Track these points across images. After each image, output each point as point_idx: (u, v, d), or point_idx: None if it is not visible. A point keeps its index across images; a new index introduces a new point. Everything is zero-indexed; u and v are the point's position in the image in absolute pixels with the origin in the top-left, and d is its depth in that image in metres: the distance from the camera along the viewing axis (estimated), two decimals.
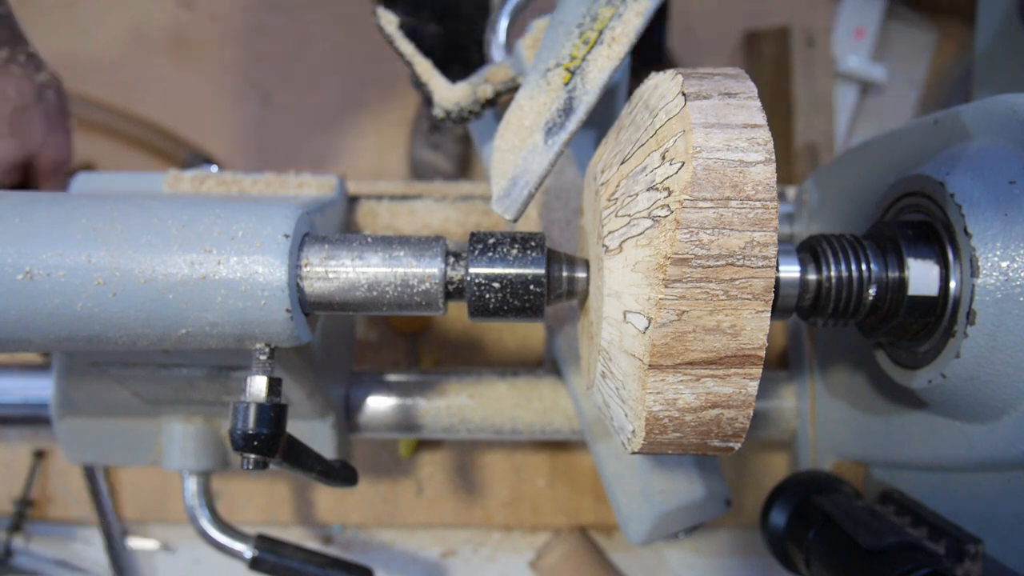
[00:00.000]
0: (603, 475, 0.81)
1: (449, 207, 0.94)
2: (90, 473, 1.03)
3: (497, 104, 0.73)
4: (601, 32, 0.61)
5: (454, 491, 1.03)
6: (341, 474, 0.66)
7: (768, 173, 0.45)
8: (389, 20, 0.68)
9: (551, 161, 0.58)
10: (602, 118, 0.83)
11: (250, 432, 0.54)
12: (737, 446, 0.50)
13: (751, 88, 0.48)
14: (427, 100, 0.71)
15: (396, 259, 0.56)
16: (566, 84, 0.60)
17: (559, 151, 0.58)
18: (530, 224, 0.81)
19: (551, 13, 0.65)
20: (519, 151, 0.59)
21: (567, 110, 0.59)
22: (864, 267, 0.56)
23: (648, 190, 0.47)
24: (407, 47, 0.68)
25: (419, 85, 0.70)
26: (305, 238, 0.57)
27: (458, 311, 0.99)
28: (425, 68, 0.70)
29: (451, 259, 0.56)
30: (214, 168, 0.81)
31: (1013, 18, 1.26)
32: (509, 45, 0.79)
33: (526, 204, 0.58)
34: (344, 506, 1.04)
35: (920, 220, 0.58)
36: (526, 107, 0.61)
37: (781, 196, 0.92)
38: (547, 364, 0.89)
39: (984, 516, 0.59)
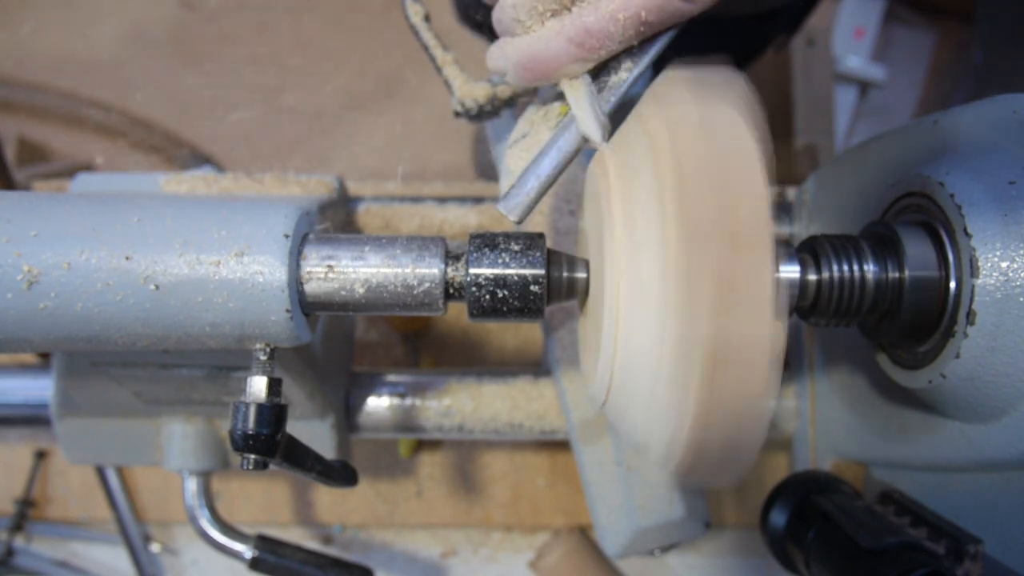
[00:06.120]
0: (585, 482, 0.81)
1: (449, 207, 0.93)
2: (101, 474, 1.03)
3: (515, 105, 0.73)
4: None
5: (454, 491, 1.03)
6: (341, 474, 0.66)
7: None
8: (417, 11, 0.67)
9: (561, 164, 0.58)
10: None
11: (250, 432, 0.54)
12: None
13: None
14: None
15: (396, 259, 0.55)
16: None
17: (569, 155, 0.58)
18: (538, 229, 0.81)
19: None
20: (530, 152, 0.59)
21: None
22: (864, 267, 0.56)
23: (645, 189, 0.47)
24: (431, 38, 0.68)
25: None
26: (305, 238, 0.57)
27: (458, 311, 0.99)
28: (445, 60, 0.69)
29: (451, 259, 0.56)
30: (214, 168, 0.81)
31: (1013, 19, 1.26)
32: None
33: (532, 206, 0.58)
34: (344, 506, 1.04)
35: (920, 220, 0.58)
36: (542, 110, 0.61)
37: (781, 196, 0.92)
38: (546, 365, 0.89)
39: (984, 516, 0.59)
